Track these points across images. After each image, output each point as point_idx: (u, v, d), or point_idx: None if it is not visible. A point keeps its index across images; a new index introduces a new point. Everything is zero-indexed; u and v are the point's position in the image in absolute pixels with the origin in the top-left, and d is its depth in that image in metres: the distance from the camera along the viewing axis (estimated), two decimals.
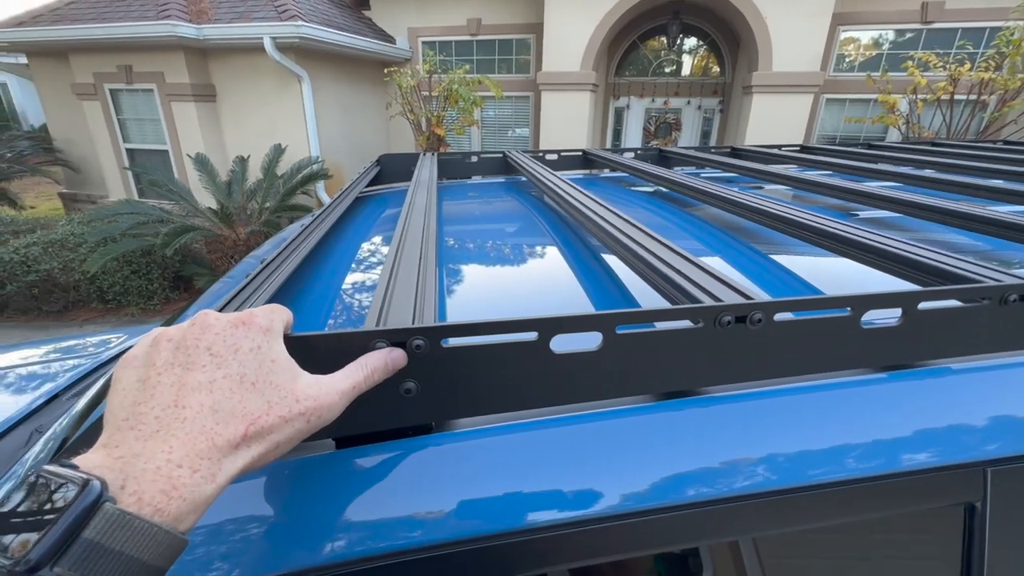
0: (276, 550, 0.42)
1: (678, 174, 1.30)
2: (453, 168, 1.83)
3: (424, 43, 8.13)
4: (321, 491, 0.44)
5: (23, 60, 8.20)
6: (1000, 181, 1.22)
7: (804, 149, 2.02)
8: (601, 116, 8.43)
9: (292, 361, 0.37)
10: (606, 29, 6.74)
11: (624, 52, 8.07)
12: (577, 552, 0.47)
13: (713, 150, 2.03)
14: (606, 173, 1.92)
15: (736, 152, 1.96)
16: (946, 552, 0.53)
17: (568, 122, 7.25)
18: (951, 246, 0.92)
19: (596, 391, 0.47)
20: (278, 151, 6.32)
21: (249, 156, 6.47)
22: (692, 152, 1.92)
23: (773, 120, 6.46)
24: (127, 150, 7.36)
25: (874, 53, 6.95)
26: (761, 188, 1.48)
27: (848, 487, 0.49)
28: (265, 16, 6.16)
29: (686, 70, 8.19)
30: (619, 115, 8.56)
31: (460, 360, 0.43)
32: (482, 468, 0.46)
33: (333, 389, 0.37)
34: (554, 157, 1.89)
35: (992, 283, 0.52)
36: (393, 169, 1.79)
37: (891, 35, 6.85)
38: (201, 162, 6.06)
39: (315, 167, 6.47)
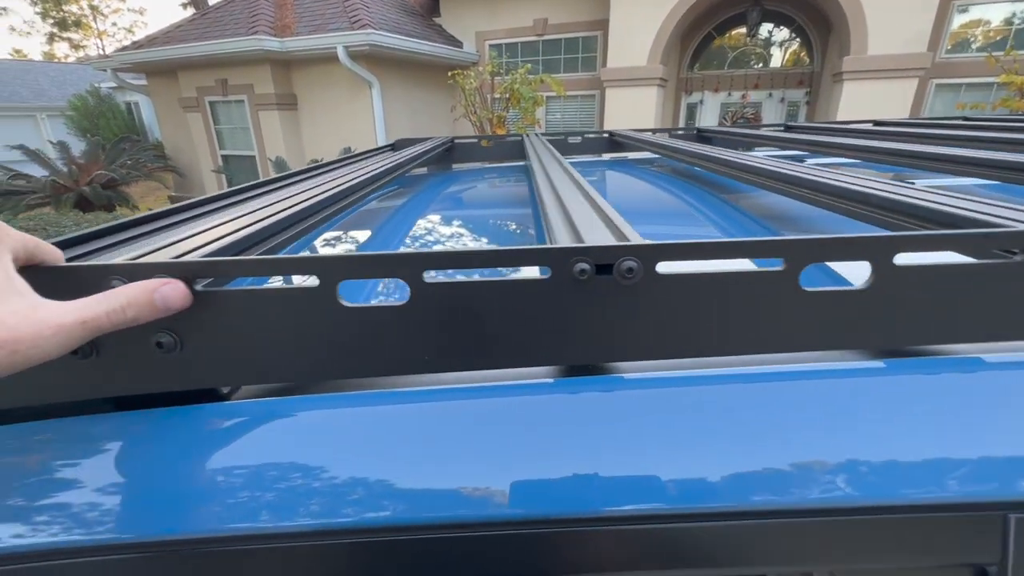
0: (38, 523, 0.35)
1: (695, 145, 1.13)
2: (470, 152, 1.75)
3: (490, 46, 8.21)
4: (88, 460, 0.37)
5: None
6: None
7: (878, 124, 1.72)
8: (672, 113, 8.02)
9: (13, 279, 0.29)
10: (676, 20, 6.39)
11: (698, 45, 7.62)
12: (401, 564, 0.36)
13: (765, 128, 1.79)
14: (635, 155, 1.75)
15: (789, 129, 1.71)
16: None
17: (633, 119, 6.96)
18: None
19: (404, 362, 0.36)
20: (346, 154, 6.65)
21: (322, 159, 6.87)
22: (736, 130, 1.70)
23: (867, 109, 5.75)
24: (222, 156, 8.12)
25: (999, 29, 5.99)
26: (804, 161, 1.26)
27: (778, 521, 0.34)
28: (339, 27, 6.51)
29: (768, 60, 7.57)
30: (691, 111, 8.09)
31: (222, 308, 0.34)
32: (275, 451, 0.36)
33: (47, 320, 0.28)
34: (577, 140, 1.76)
35: (1021, 227, 0.34)
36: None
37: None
38: (279, 165, 6.53)
39: None
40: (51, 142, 9.13)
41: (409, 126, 7.66)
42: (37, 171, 8.24)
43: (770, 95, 7.58)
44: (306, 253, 0.70)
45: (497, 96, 6.63)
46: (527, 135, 1.68)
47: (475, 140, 1.76)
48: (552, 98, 7.47)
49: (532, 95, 6.23)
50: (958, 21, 6.09)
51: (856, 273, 0.51)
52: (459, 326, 0.35)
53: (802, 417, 0.36)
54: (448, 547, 0.35)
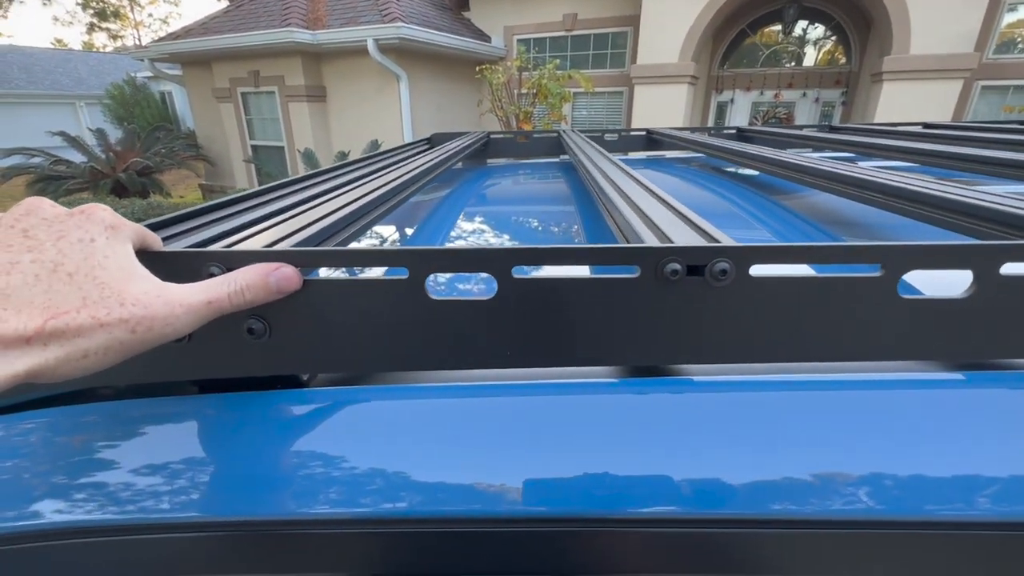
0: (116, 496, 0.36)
1: (746, 146, 1.10)
2: (504, 148, 1.75)
3: (519, 40, 8.18)
4: (164, 438, 0.38)
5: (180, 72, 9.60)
6: None
7: (927, 127, 1.66)
8: (701, 111, 7.89)
9: (137, 264, 0.31)
10: (709, 16, 6.27)
11: (731, 42, 7.46)
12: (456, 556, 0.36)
13: (808, 128, 1.75)
14: (673, 154, 1.73)
15: (835, 130, 1.67)
16: None
17: (661, 117, 6.86)
18: None
19: (491, 355, 0.36)
20: (375, 146, 6.71)
21: (350, 152, 6.95)
22: (780, 130, 1.66)
23: (907, 111, 5.57)
24: (252, 146, 8.28)
25: None
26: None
27: (878, 532, 0.33)
28: (370, 20, 6.56)
29: (802, 59, 7.37)
30: (721, 110, 7.94)
31: (312, 297, 0.35)
32: (357, 438, 0.37)
33: (176, 300, 0.30)
34: (614, 137, 1.74)
35: None
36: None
37: None
38: (308, 156, 6.63)
39: None
40: (90, 129, 9.43)
41: (435, 120, 7.69)
42: (76, 157, 8.53)
43: (804, 95, 7.39)
44: (379, 244, 0.71)
45: (524, 91, 6.61)
46: (563, 131, 1.67)
47: (510, 135, 1.76)
48: (579, 94, 7.42)
49: (560, 91, 6.20)
50: (1007, 20, 5.84)
51: (922, 280, 0.49)
52: (543, 322, 0.35)
53: (884, 428, 0.35)
54: (518, 540, 0.35)
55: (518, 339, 0.35)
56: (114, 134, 9.39)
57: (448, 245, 0.33)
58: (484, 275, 0.34)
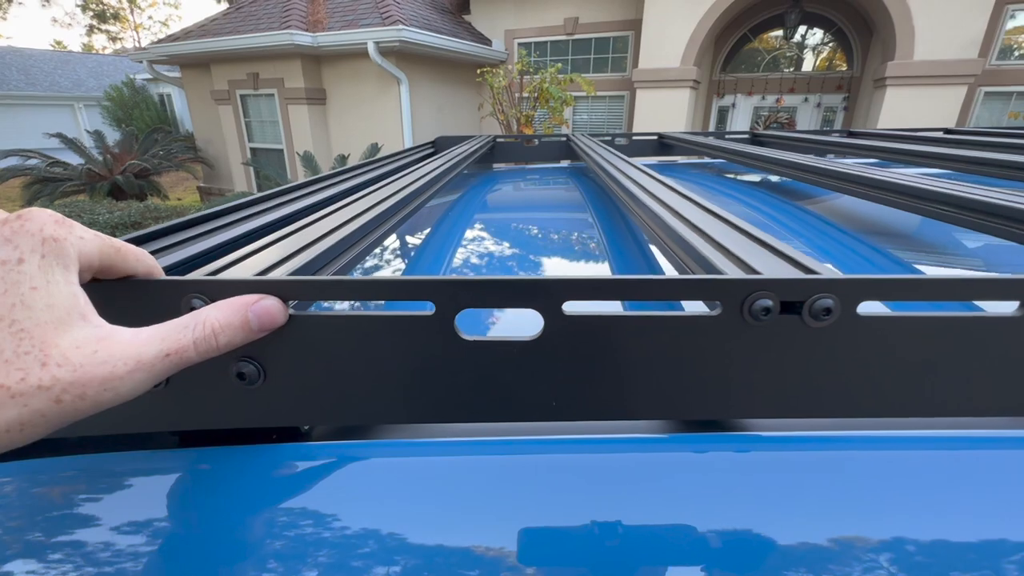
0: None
1: (770, 151, 1.04)
2: (511, 152, 1.69)
3: (519, 44, 8.15)
4: (141, 498, 0.32)
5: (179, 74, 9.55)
6: None
7: (949, 132, 1.61)
8: (702, 116, 7.86)
9: (77, 299, 0.23)
10: (712, 20, 6.24)
11: (732, 46, 7.44)
12: None
13: (823, 132, 1.70)
14: (685, 160, 1.68)
15: (852, 135, 1.61)
16: None
17: (663, 121, 6.83)
18: None
19: (532, 406, 0.30)
20: (375, 150, 6.65)
21: (349, 155, 6.89)
22: (795, 135, 1.61)
23: (910, 117, 5.54)
24: (251, 149, 8.21)
25: None
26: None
27: None
28: (370, 23, 6.52)
29: (806, 64, 7.35)
30: (723, 115, 7.92)
31: (317, 336, 0.28)
32: (353, 503, 0.31)
33: (120, 355, 0.23)
34: (624, 141, 1.69)
35: None
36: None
37: None
38: (307, 159, 6.57)
39: None
40: (87, 131, 9.37)
41: (436, 123, 7.64)
42: (73, 159, 8.46)
43: (806, 100, 7.36)
44: (388, 266, 0.65)
45: (525, 95, 6.57)
46: (571, 136, 1.61)
47: (517, 139, 1.70)
48: (580, 98, 7.38)
49: (561, 95, 6.16)
50: (1009, 26, 5.83)
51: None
52: (598, 367, 0.29)
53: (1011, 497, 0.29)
54: None
55: (567, 387, 0.29)
56: (112, 136, 9.33)
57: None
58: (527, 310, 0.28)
